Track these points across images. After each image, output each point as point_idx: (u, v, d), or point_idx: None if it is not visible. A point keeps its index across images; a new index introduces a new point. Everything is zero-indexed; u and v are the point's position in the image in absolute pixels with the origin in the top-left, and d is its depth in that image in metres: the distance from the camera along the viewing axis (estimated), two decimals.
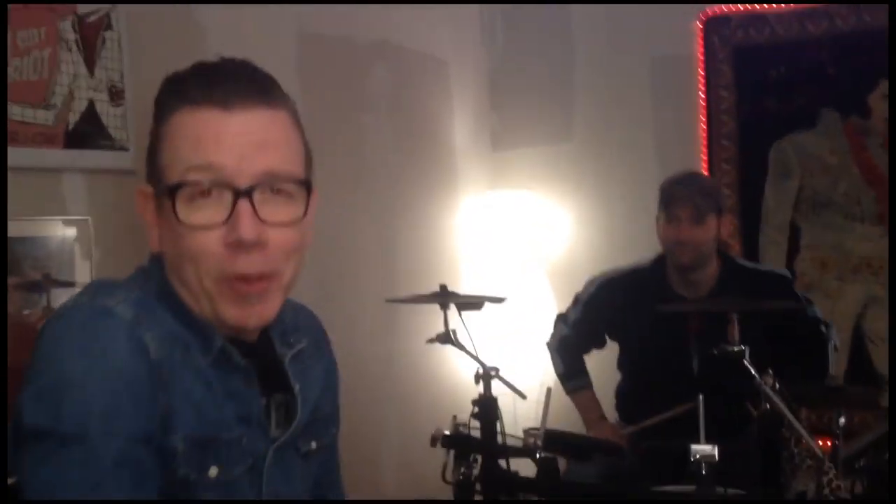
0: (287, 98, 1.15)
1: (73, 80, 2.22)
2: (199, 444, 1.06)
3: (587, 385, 2.81)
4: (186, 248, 1.07)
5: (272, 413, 1.18)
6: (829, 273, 3.16)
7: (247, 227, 1.05)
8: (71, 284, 2.24)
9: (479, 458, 2.19)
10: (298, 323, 1.27)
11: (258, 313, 1.11)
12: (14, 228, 2.08)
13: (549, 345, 2.91)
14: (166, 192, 1.07)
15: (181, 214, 1.06)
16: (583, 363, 2.86)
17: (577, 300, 2.89)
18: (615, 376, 2.89)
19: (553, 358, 2.87)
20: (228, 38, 2.67)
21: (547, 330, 3.50)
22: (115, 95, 2.32)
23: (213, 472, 1.07)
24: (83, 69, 2.24)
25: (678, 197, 2.58)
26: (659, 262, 2.72)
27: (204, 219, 1.06)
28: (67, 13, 2.19)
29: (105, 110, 2.29)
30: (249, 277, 1.08)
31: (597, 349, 2.89)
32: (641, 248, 3.04)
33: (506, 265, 3.59)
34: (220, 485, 1.09)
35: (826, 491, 1.65)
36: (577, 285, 3.58)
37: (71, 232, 2.24)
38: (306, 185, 1.12)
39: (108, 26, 2.30)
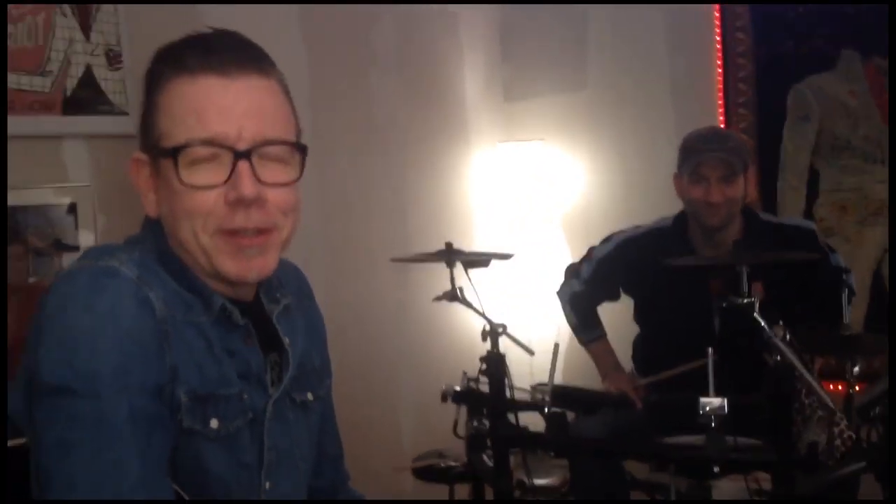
0: (276, 68, 1.20)
1: (69, 45, 2.20)
2: (201, 398, 1.10)
3: (602, 335, 2.78)
4: (185, 208, 1.12)
5: (268, 370, 1.23)
6: (848, 217, 3.09)
7: (247, 185, 1.11)
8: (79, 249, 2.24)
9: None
10: (283, 278, 1.31)
11: (257, 266, 1.16)
12: (16, 197, 2.08)
13: (559, 295, 2.86)
14: (168, 156, 1.12)
15: (183, 176, 1.11)
16: (596, 315, 2.81)
17: (590, 255, 2.81)
18: (630, 327, 2.86)
19: (565, 310, 2.84)
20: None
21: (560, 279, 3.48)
22: (113, 59, 2.30)
23: (214, 423, 1.11)
24: (79, 34, 2.22)
25: (706, 156, 2.48)
26: (680, 221, 2.65)
27: (205, 179, 1.11)
28: None
29: (103, 75, 2.28)
30: (247, 232, 1.13)
31: (610, 301, 2.85)
32: (658, 198, 2.99)
33: (519, 218, 3.55)
34: (221, 437, 1.13)
35: (837, 442, 1.63)
36: (593, 237, 3.52)
37: (74, 198, 2.23)
38: (300, 149, 1.18)
39: None
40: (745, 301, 1.77)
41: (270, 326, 1.24)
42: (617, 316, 2.93)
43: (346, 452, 1.51)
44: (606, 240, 2.82)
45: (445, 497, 2.48)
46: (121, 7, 2.30)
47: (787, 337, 1.73)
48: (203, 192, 1.11)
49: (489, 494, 2.14)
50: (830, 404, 1.65)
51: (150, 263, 1.14)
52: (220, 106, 1.12)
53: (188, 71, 1.12)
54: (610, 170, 3.61)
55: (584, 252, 2.93)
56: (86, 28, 2.23)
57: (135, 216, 1.23)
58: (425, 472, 2.58)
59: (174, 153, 1.11)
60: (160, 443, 1.05)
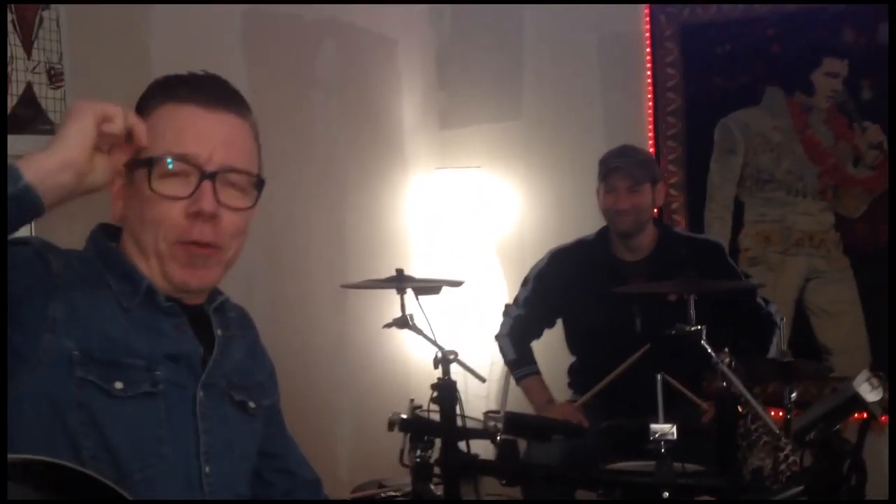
0: (252, 114, 1.36)
1: (9, 61, 2.13)
2: (98, 360, 1.19)
3: (537, 371, 2.87)
4: (153, 216, 1.25)
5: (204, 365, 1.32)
6: (772, 247, 3.23)
7: (209, 201, 1.25)
8: None
9: (437, 441, 2.21)
10: (230, 313, 1.43)
11: (200, 276, 1.29)
12: None
13: (498, 336, 2.96)
14: (143, 166, 1.24)
15: (154, 185, 1.23)
16: (531, 350, 2.92)
17: (526, 280, 2.98)
18: (560, 362, 2.95)
19: (504, 345, 2.92)
20: (173, 15, 2.60)
21: (497, 308, 3.53)
22: (54, 77, 2.23)
23: (119, 385, 1.20)
24: (20, 51, 2.15)
25: (615, 168, 2.75)
26: (602, 232, 2.89)
27: (172, 191, 1.24)
28: None
29: (43, 93, 2.21)
30: (200, 244, 1.26)
31: (548, 328, 2.94)
32: (590, 223, 3.08)
33: (455, 243, 3.59)
34: (127, 399, 1.20)
35: (783, 466, 1.69)
36: (528, 262, 3.60)
37: None
38: (259, 183, 1.32)
39: (46, 6, 2.20)
40: (693, 328, 1.83)
41: (207, 322, 1.35)
42: (549, 350, 3.01)
43: None
44: (539, 261, 2.96)
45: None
46: (63, 23, 2.24)
47: (732, 364, 1.79)
48: (169, 202, 1.24)
49: None
50: (776, 429, 1.72)
51: (73, 252, 1.26)
52: (198, 130, 1.27)
53: (177, 99, 1.28)
54: (544, 196, 3.69)
55: (519, 277, 3.05)
56: (27, 44, 2.17)
57: (70, 240, 1.31)
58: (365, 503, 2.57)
59: (149, 163, 1.23)
60: None
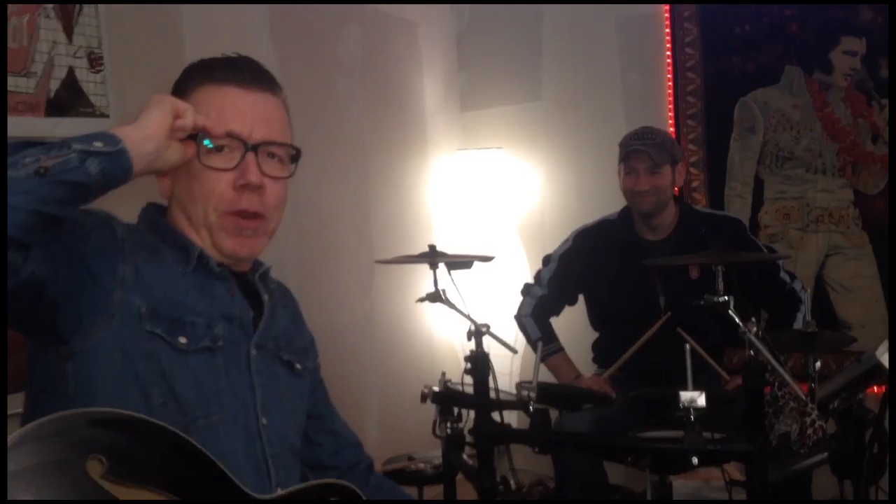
0: (282, 90, 1.47)
1: (52, 46, 2.19)
2: (165, 318, 1.29)
3: (561, 348, 2.92)
4: (201, 189, 1.36)
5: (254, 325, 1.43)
6: (792, 224, 3.28)
7: (255, 172, 1.36)
8: None
9: (467, 413, 2.27)
10: (271, 284, 1.55)
11: (249, 245, 1.40)
12: None
13: (519, 315, 2.99)
14: (191, 139, 1.32)
15: (207, 160, 1.34)
16: (552, 328, 2.96)
17: (548, 259, 3.02)
18: (582, 338, 3.01)
19: (527, 324, 2.95)
20: (204, 4, 2.65)
21: (516, 284, 3.60)
22: (94, 62, 2.30)
23: (183, 339, 1.30)
24: (62, 36, 2.22)
25: (634, 150, 2.79)
26: (625, 211, 2.93)
27: (219, 164, 1.36)
28: None
29: (85, 77, 2.28)
30: (247, 214, 1.37)
31: (569, 305, 2.99)
32: (609, 203, 3.14)
33: (477, 223, 3.64)
34: (191, 353, 1.30)
35: (809, 431, 1.75)
36: (548, 241, 3.66)
37: None
38: (295, 155, 1.44)
39: None
40: (720, 299, 1.88)
41: (256, 297, 1.46)
42: (571, 329, 3.06)
43: None
44: (564, 241, 2.98)
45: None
46: (101, 9, 2.30)
47: (759, 333, 1.85)
48: (216, 175, 1.35)
49: (461, 495, 2.21)
50: (802, 395, 1.77)
51: (128, 224, 1.35)
52: (239, 108, 1.38)
53: (216, 81, 1.39)
54: (564, 177, 3.74)
55: (540, 255, 3.10)
56: (68, 30, 2.23)
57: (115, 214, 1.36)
58: (395, 476, 2.64)
59: (197, 138, 1.32)
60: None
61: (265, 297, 1.47)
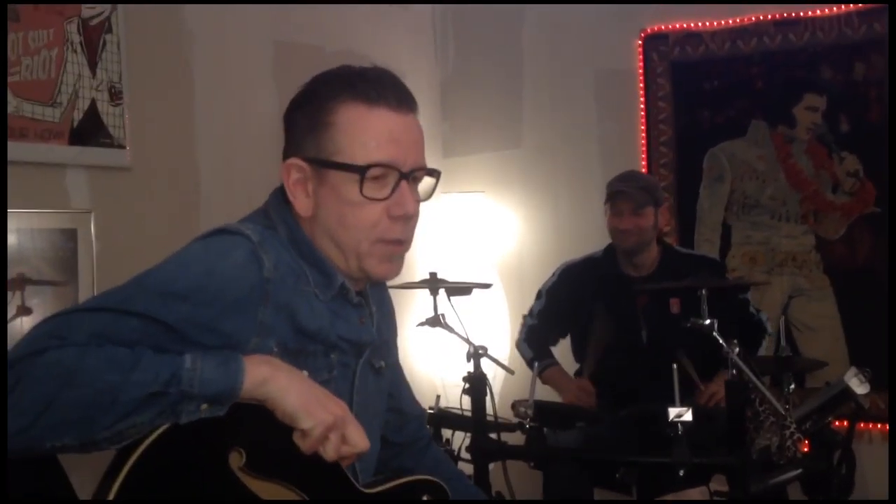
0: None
1: (77, 79, 2.32)
2: (290, 352, 1.29)
3: (555, 363, 3.06)
4: (356, 219, 1.33)
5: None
6: (758, 267, 3.48)
7: (411, 203, 1.35)
8: (46, 283, 2.32)
9: (462, 433, 2.39)
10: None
11: (396, 269, 1.40)
12: (20, 220, 2.16)
13: (517, 341, 3.16)
14: (348, 170, 1.32)
15: (366, 191, 1.32)
16: (548, 348, 3.09)
17: (539, 293, 3.17)
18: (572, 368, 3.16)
19: (521, 349, 3.12)
20: (213, 44, 2.81)
21: (497, 324, 3.74)
22: (114, 95, 2.42)
23: (305, 373, 1.28)
24: (87, 70, 2.35)
25: (619, 192, 2.96)
26: (609, 249, 3.10)
27: (377, 194, 1.33)
28: (73, 15, 2.30)
29: (105, 109, 2.40)
30: (399, 242, 1.37)
31: (561, 338, 3.13)
32: (585, 244, 3.32)
33: (460, 262, 3.79)
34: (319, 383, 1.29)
35: (788, 443, 1.90)
36: (525, 279, 3.83)
37: (74, 224, 2.33)
38: (437, 175, 1.43)
39: (109, 29, 2.40)
40: (706, 322, 2.04)
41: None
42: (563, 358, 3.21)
43: None
44: (551, 275, 3.14)
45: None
46: (123, 47, 2.43)
47: (740, 353, 2.01)
48: (371, 204, 1.32)
49: None
50: (782, 410, 1.93)
51: (275, 237, 1.33)
52: (396, 135, 1.34)
53: (366, 100, 1.33)
54: (542, 220, 3.91)
55: (518, 295, 3.29)
56: (93, 64, 2.36)
57: (129, 243, 1.36)
58: None
59: (362, 171, 1.31)
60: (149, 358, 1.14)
61: (373, 309, 1.47)
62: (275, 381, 1.19)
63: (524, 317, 3.19)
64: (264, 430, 1.20)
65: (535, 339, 3.09)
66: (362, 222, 1.33)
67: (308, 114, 1.36)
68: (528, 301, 3.28)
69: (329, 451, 1.22)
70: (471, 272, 3.76)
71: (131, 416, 1.10)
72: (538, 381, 3.01)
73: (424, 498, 1.44)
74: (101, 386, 1.08)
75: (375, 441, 1.50)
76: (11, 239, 2.17)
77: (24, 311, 2.28)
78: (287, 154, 1.38)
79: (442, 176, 4.08)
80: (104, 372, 1.09)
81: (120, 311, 1.16)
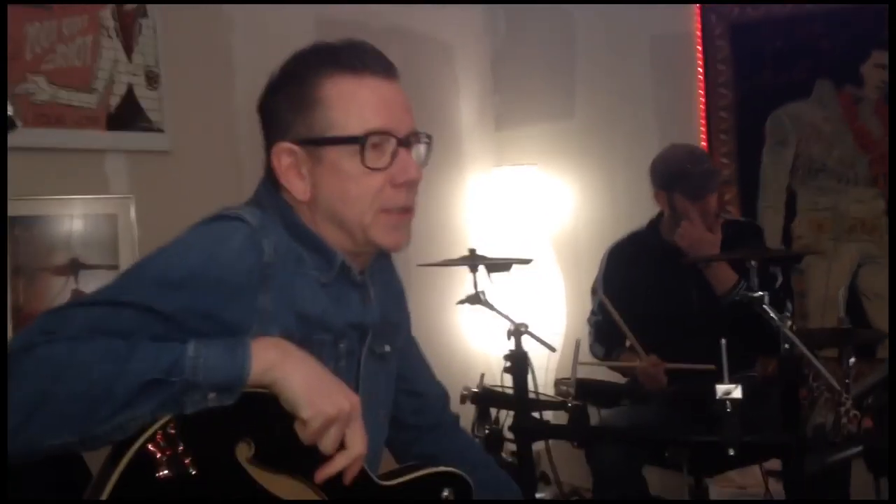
0: None
1: (113, 65, 2.33)
2: (295, 340, 1.22)
3: (625, 350, 2.91)
4: (358, 191, 1.29)
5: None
6: (825, 235, 3.32)
7: (414, 168, 1.32)
8: (99, 267, 2.35)
9: (506, 412, 2.34)
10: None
11: (405, 238, 1.36)
12: (61, 206, 2.19)
13: (589, 347, 2.99)
14: (346, 143, 1.28)
15: (368, 161, 1.28)
16: (622, 341, 2.96)
17: (593, 289, 3.04)
18: None
19: (595, 351, 2.96)
20: (253, 26, 2.79)
21: (550, 296, 3.66)
22: (152, 79, 2.43)
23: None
24: (122, 55, 2.36)
25: (700, 176, 2.76)
26: (653, 222, 2.99)
27: (378, 163, 1.29)
28: (107, 2, 2.30)
29: (143, 94, 2.41)
30: (399, 209, 1.32)
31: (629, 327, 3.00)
32: (641, 217, 3.19)
33: (513, 237, 3.72)
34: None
35: (844, 420, 1.79)
36: (581, 255, 3.74)
37: (114, 210, 2.35)
38: (430, 139, 1.39)
39: (144, 14, 2.41)
40: (756, 295, 1.94)
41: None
42: None
43: None
44: (599, 266, 3.07)
45: None
46: (160, 30, 2.43)
47: (794, 327, 1.90)
48: (371, 174, 1.28)
49: None
50: (836, 385, 1.82)
51: (272, 220, 1.29)
52: (386, 102, 1.30)
53: (352, 70, 1.29)
54: (597, 193, 3.81)
55: (574, 271, 3.17)
56: (128, 49, 2.36)
57: (171, 228, 1.31)
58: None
59: (362, 141, 1.27)
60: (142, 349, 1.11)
61: (372, 291, 1.41)
62: (281, 367, 1.15)
63: (588, 319, 3.05)
64: (274, 419, 1.15)
65: (605, 335, 2.93)
66: (365, 193, 1.29)
67: (291, 95, 1.31)
68: (585, 276, 3.19)
69: (327, 446, 1.17)
70: (525, 247, 3.70)
71: (130, 407, 1.07)
72: (592, 359, 2.95)
73: (445, 494, 1.37)
74: (95, 377, 1.06)
75: (382, 429, 1.46)
76: (54, 225, 2.20)
77: (80, 295, 2.32)
78: (272, 140, 1.33)
79: (494, 149, 3.99)
80: (97, 363, 1.06)
81: (113, 303, 1.14)
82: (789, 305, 2.86)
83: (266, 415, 1.15)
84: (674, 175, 2.82)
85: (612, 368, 2.86)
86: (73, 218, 2.24)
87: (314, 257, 1.31)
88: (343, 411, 1.16)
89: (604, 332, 2.96)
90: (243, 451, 1.15)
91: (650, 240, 2.96)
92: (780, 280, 2.84)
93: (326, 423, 1.15)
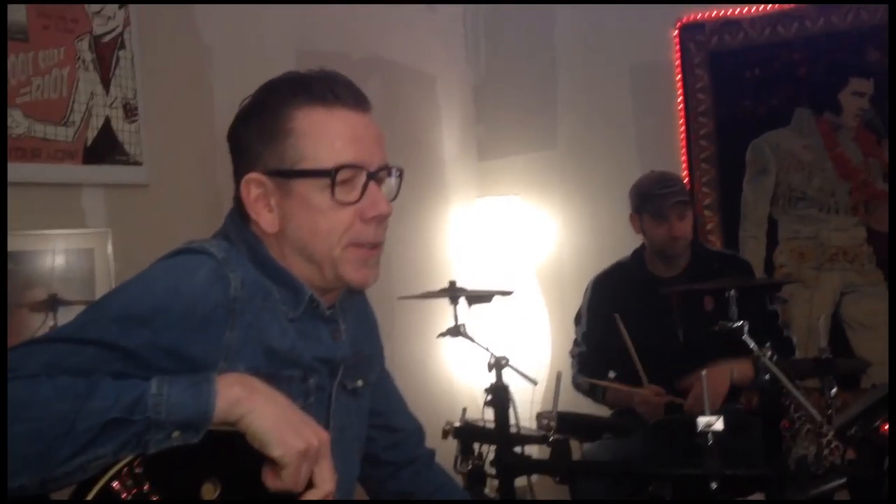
0: None
1: (90, 97, 2.31)
2: (263, 376, 1.19)
3: (612, 379, 2.87)
4: (328, 225, 1.27)
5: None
6: (807, 263, 3.32)
7: (384, 203, 1.30)
8: (77, 303, 2.31)
9: (489, 446, 2.31)
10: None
11: (374, 274, 1.34)
12: (37, 241, 2.16)
13: (572, 382, 2.95)
14: (316, 176, 1.26)
15: (338, 195, 1.26)
16: (607, 372, 2.93)
17: (578, 317, 3.04)
18: None
19: (580, 383, 2.92)
20: (233, 56, 2.78)
21: (534, 327, 3.65)
22: (129, 112, 2.41)
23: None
24: (99, 87, 2.34)
25: (665, 198, 2.81)
26: (638, 252, 2.99)
27: (348, 197, 1.27)
28: (85, 33, 2.29)
29: (120, 126, 2.39)
30: (368, 245, 1.30)
31: (614, 360, 2.97)
32: (625, 246, 3.19)
33: (496, 267, 3.71)
34: None
35: (826, 451, 1.78)
36: (565, 285, 3.73)
37: (91, 244, 2.32)
38: (400, 173, 1.37)
39: (122, 46, 2.40)
40: (735, 325, 1.93)
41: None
42: None
43: None
44: (584, 294, 3.04)
45: None
46: (137, 62, 2.42)
47: (774, 357, 1.89)
48: (342, 209, 1.27)
49: None
50: (818, 417, 1.81)
51: (238, 254, 1.27)
52: (358, 135, 1.29)
53: (324, 102, 1.27)
54: (580, 222, 3.81)
55: (557, 300, 3.14)
56: (105, 82, 2.35)
57: (148, 261, 1.28)
58: None
59: (332, 174, 1.25)
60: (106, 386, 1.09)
61: (343, 327, 1.39)
62: (248, 402, 1.12)
63: (571, 351, 3.03)
64: (240, 458, 1.12)
65: (589, 366, 2.91)
66: (335, 228, 1.27)
67: (262, 125, 1.29)
68: (569, 307, 3.17)
69: (296, 484, 1.13)
70: (509, 278, 3.68)
71: (92, 447, 1.04)
72: (588, 391, 2.90)
73: None
74: (53, 416, 1.03)
75: (355, 465, 1.44)
76: (30, 260, 2.17)
77: None
78: (241, 171, 1.31)
79: (477, 180, 3.96)
80: (56, 401, 1.04)
81: (75, 340, 1.12)
82: (794, 339, 2.85)
83: (232, 453, 1.12)
84: (643, 197, 2.89)
85: (611, 393, 2.81)
86: (49, 253, 2.21)
87: (282, 292, 1.28)
88: (312, 447, 1.13)
89: (588, 364, 2.94)
90: (209, 492, 1.12)
91: (634, 270, 2.96)
92: (780, 317, 2.86)
93: (299, 460, 1.12)
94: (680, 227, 2.81)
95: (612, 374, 2.80)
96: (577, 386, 2.94)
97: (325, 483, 1.15)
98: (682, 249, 2.84)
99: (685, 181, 3.13)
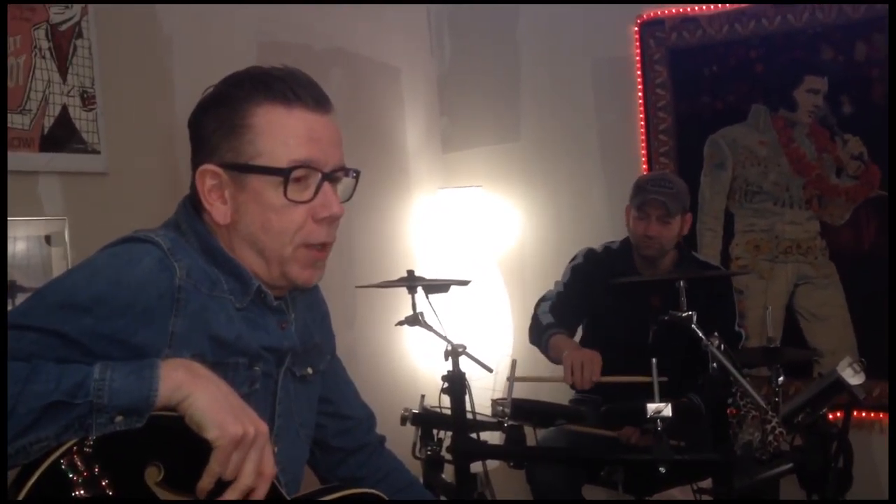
0: None
1: (47, 85, 2.30)
2: (209, 364, 1.21)
3: (560, 331, 2.90)
4: (281, 224, 1.29)
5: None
6: (762, 255, 3.39)
7: (337, 204, 1.31)
8: (32, 290, 2.30)
9: (447, 433, 2.34)
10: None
11: (319, 275, 1.36)
12: None
13: (538, 307, 3.00)
14: (270, 174, 1.27)
15: (290, 194, 1.27)
16: (570, 323, 2.96)
17: (566, 272, 3.06)
18: None
19: (541, 313, 2.95)
20: (193, 46, 2.78)
21: (496, 316, 3.68)
22: (87, 100, 2.40)
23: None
24: (56, 76, 2.33)
25: (651, 196, 2.85)
26: (626, 244, 3.02)
27: (301, 196, 1.28)
28: (41, 21, 2.28)
29: (77, 115, 2.38)
30: (318, 245, 1.32)
31: (578, 321, 3.02)
32: (586, 238, 3.25)
33: (459, 258, 3.74)
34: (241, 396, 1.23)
35: (770, 437, 1.83)
36: (527, 275, 3.77)
37: (48, 231, 2.31)
38: (356, 175, 1.38)
39: (79, 34, 2.39)
40: (684, 315, 1.97)
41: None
42: None
43: None
44: (575, 257, 3.09)
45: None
46: (95, 51, 2.41)
47: (722, 347, 1.94)
48: (294, 207, 1.28)
49: None
50: (763, 404, 1.86)
51: (185, 244, 1.28)
52: (315, 135, 1.30)
53: (284, 101, 1.29)
54: (542, 214, 3.85)
55: (520, 291, 3.16)
56: (63, 70, 2.34)
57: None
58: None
59: (286, 173, 1.26)
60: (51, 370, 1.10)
61: (292, 316, 1.41)
62: (189, 385, 1.14)
63: (549, 291, 3.06)
64: (183, 442, 1.14)
65: (559, 309, 2.94)
66: (287, 226, 1.29)
67: (221, 117, 1.30)
68: (531, 296, 3.21)
69: (227, 470, 1.14)
70: (471, 268, 3.71)
71: (33, 430, 1.06)
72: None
73: None
74: None
75: (303, 450, 1.46)
76: None
77: None
78: (198, 160, 1.32)
79: (441, 171, 3.96)
80: None
81: (16, 327, 1.13)
82: (743, 333, 2.92)
83: (174, 437, 1.14)
84: (635, 188, 2.95)
85: (553, 344, 2.83)
86: (9, 240, 2.20)
87: (230, 281, 1.30)
88: (248, 435, 1.15)
89: (560, 306, 2.94)
90: (152, 475, 1.14)
91: (621, 263, 2.97)
92: (743, 339, 2.92)
93: (231, 445, 1.13)
94: (657, 227, 2.83)
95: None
96: (537, 315, 2.96)
97: (265, 468, 1.17)
98: (654, 251, 2.86)
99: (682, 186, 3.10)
